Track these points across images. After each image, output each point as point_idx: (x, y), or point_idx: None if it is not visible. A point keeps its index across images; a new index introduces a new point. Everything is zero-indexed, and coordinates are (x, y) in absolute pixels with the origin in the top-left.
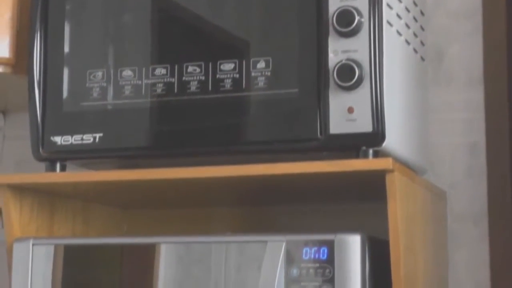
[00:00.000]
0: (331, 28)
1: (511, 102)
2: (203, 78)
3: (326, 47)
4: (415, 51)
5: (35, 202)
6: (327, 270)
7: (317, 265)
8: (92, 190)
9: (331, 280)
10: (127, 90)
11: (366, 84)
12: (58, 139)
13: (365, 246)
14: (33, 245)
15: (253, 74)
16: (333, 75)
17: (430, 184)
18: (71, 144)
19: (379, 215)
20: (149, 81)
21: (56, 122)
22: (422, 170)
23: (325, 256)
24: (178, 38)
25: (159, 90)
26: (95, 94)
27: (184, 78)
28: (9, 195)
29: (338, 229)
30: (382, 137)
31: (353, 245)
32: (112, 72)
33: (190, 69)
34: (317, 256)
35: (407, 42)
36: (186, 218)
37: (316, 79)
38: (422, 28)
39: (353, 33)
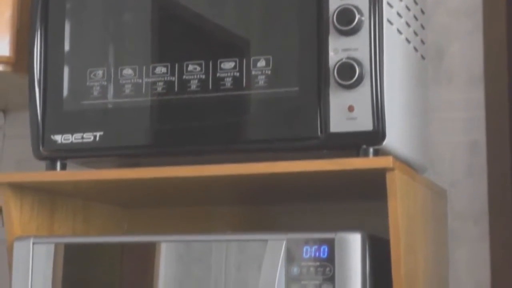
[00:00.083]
0: (331, 27)
1: None
2: (203, 76)
3: (327, 46)
4: (416, 49)
5: (36, 201)
6: (328, 269)
7: (318, 263)
8: (93, 189)
9: (331, 279)
10: (128, 89)
11: (366, 82)
12: (58, 138)
13: (365, 244)
14: (33, 243)
15: (253, 72)
16: (334, 74)
17: (430, 182)
18: (72, 142)
19: (379, 214)
20: (150, 80)
21: (56, 121)
22: (422, 168)
23: (326, 254)
24: (178, 36)
25: (159, 89)
26: (95, 93)
27: (184, 76)
28: (10, 193)
29: (339, 227)
30: (383, 136)
31: (353, 244)
32: (112, 70)
33: (190, 67)
34: (317, 254)
35: (408, 41)
36: (186, 216)
37: (316, 78)
38: (423, 27)
39: (354, 31)
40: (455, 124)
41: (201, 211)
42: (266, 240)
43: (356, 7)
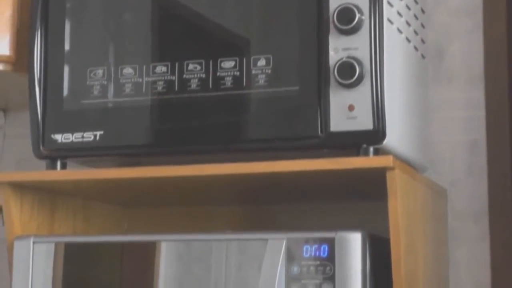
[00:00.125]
0: (331, 26)
1: None
2: (203, 76)
3: (327, 45)
4: (416, 48)
5: (36, 200)
6: (328, 268)
7: (318, 262)
8: (93, 188)
9: (331, 278)
10: (128, 88)
11: (366, 81)
12: (58, 137)
13: (365, 244)
14: (33, 243)
15: (253, 71)
16: (334, 73)
17: (430, 181)
18: (72, 142)
19: (379, 213)
20: (150, 79)
21: (56, 120)
22: (422, 167)
23: (326, 253)
24: (178, 36)
25: (159, 88)
26: (95, 92)
27: (184, 75)
28: (10, 193)
29: (339, 227)
30: (383, 135)
31: (353, 243)
32: (112, 70)
33: (190, 66)
34: (317, 253)
35: (408, 40)
36: (186, 216)
37: (316, 77)
38: (423, 26)
39: (354, 30)
40: (455, 123)
41: (201, 210)
42: (266, 240)
43: (356, 6)
